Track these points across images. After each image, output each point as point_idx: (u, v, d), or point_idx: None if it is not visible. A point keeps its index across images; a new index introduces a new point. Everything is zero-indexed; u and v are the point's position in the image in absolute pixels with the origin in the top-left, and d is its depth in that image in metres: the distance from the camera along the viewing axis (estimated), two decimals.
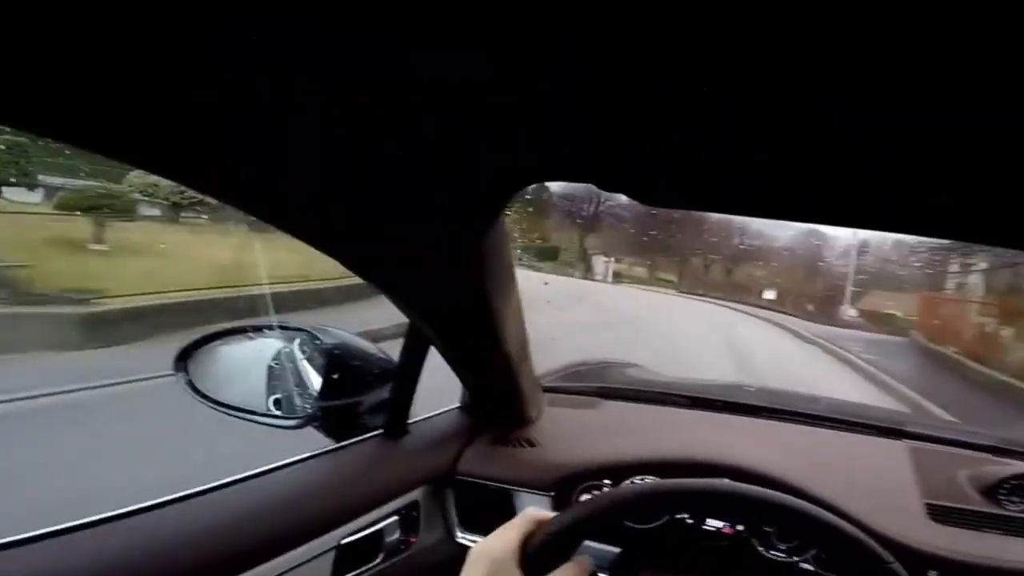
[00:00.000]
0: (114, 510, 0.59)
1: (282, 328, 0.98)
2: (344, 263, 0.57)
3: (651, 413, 1.11)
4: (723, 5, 0.24)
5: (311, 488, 0.76)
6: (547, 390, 1.14)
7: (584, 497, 0.89)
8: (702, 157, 0.39)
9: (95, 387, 3.13)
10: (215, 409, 0.82)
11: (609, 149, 0.40)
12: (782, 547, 0.79)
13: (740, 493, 0.56)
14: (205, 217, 6.93)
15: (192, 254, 5.91)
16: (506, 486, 0.93)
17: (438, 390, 0.97)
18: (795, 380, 5.61)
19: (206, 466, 1.01)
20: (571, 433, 1.03)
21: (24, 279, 4.32)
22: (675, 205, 0.49)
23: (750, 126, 0.34)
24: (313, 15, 0.28)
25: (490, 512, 0.69)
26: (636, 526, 0.83)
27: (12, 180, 5.92)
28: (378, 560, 0.81)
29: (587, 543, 0.58)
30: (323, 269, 4.96)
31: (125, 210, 5.97)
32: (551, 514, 0.56)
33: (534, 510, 0.56)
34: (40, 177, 6.34)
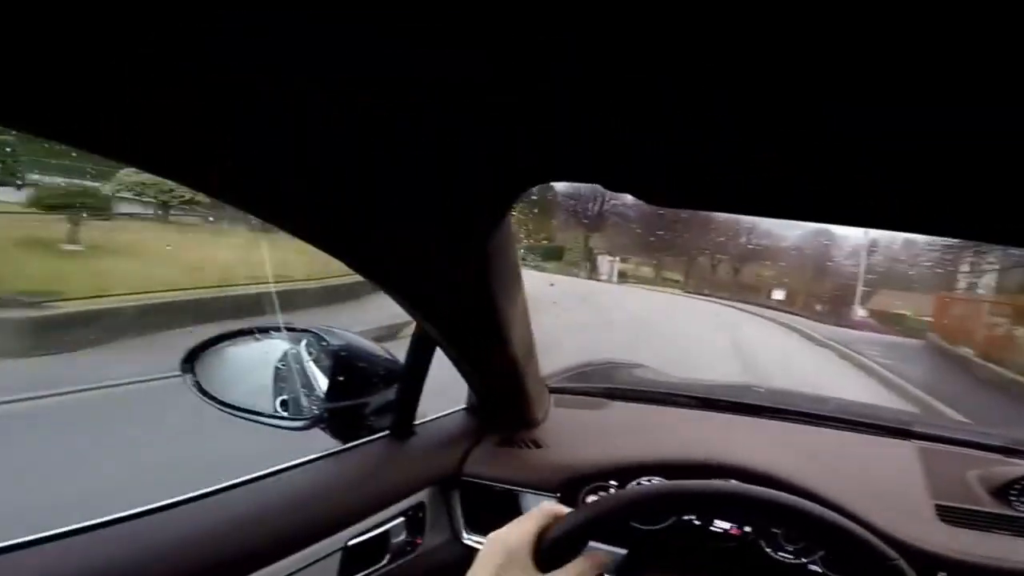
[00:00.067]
0: (123, 511, 0.59)
1: (289, 330, 0.98)
2: (349, 264, 0.57)
3: (657, 414, 1.11)
4: (723, 5, 0.24)
5: (318, 489, 0.76)
6: (553, 391, 1.14)
7: (591, 498, 0.89)
8: (702, 157, 0.39)
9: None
10: (222, 410, 0.82)
11: (609, 149, 0.40)
12: (790, 548, 0.79)
13: (749, 494, 0.56)
14: (198, 217, 6.66)
15: (174, 254, 5.66)
16: (512, 487, 0.93)
17: (440, 392, 0.97)
18: (808, 386, 5.41)
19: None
20: (577, 434, 1.03)
21: None
22: (676, 204, 0.49)
23: (750, 126, 0.34)
24: (313, 15, 0.28)
25: (496, 513, 0.69)
26: (643, 527, 0.83)
27: None
28: (384, 561, 0.81)
29: (593, 544, 0.58)
30: (311, 270, 4.85)
31: (102, 208, 5.68)
32: (567, 509, 0.56)
33: (551, 504, 0.57)
34: (34, 176, 6.04)
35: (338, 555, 0.73)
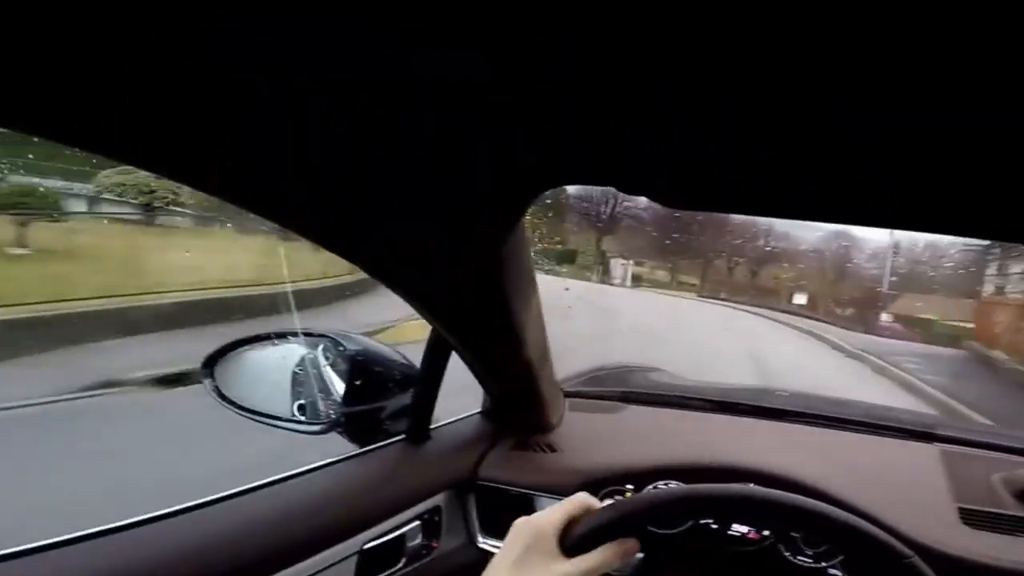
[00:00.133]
0: (141, 515, 0.60)
1: (306, 335, 1.00)
2: (358, 264, 0.58)
3: (673, 417, 1.10)
4: (723, 5, 0.24)
5: (335, 493, 0.77)
6: (568, 395, 1.13)
7: (606, 502, 0.89)
8: (702, 157, 0.40)
9: None
10: (241, 415, 0.84)
11: (609, 149, 0.40)
12: (809, 553, 0.78)
13: (767, 498, 0.56)
14: (189, 219, 6.11)
15: (135, 257, 5.05)
16: (527, 491, 0.93)
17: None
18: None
19: None
20: (592, 438, 1.02)
21: None
22: (676, 205, 0.49)
23: (750, 126, 0.34)
24: (313, 15, 0.28)
25: (511, 517, 0.70)
26: (660, 532, 0.82)
27: None
28: (400, 565, 0.81)
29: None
30: (279, 273, 4.25)
31: (52, 209, 5.04)
32: (599, 503, 0.58)
33: (585, 495, 0.59)
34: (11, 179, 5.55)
35: (354, 558, 0.74)
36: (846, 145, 0.35)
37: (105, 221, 5.68)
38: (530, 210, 0.55)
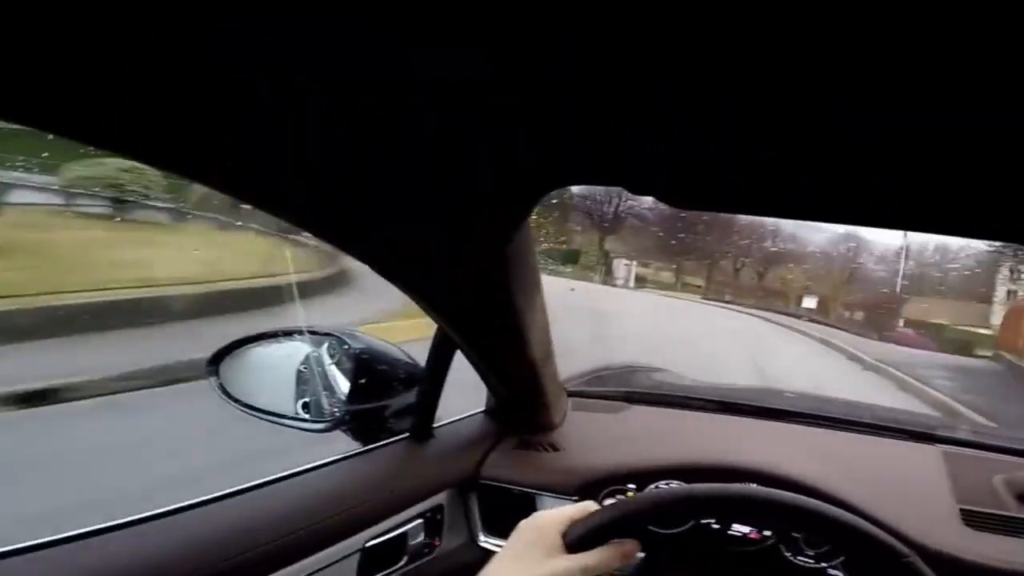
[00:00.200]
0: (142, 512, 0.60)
1: (311, 333, 1.00)
2: (369, 264, 0.58)
3: (677, 418, 1.09)
4: (723, 5, 0.24)
5: (338, 491, 0.77)
6: (571, 394, 1.13)
7: (608, 502, 0.89)
8: (702, 157, 0.40)
9: None
10: (245, 412, 0.84)
11: (609, 149, 0.40)
12: (810, 553, 0.77)
13: (768, 498, 0.56)
14: (168, 214, 5.63)
15: (88, 253, 4.59)
16: (530, 490, 0.93)
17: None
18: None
19: None
20: (595, 437, 1.02)
21: None
22: (676, 204, 0.49)
23: (750, 126, 0.34)
24: (313, 15, 0.28)
25: (514, 516, 0.70)
26: (661, 531, 0.82)
27: None
28: (402, 563, 0.81)
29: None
30: (234, 270, 4.10)
31: None
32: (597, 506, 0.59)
33: (591, 504, 0.60)
34: None
35: (356, 556, 0.74)
36: (846, 145, 0.35)
37: (69, 215, 5.07)
38: (536, 210, 0.56)
